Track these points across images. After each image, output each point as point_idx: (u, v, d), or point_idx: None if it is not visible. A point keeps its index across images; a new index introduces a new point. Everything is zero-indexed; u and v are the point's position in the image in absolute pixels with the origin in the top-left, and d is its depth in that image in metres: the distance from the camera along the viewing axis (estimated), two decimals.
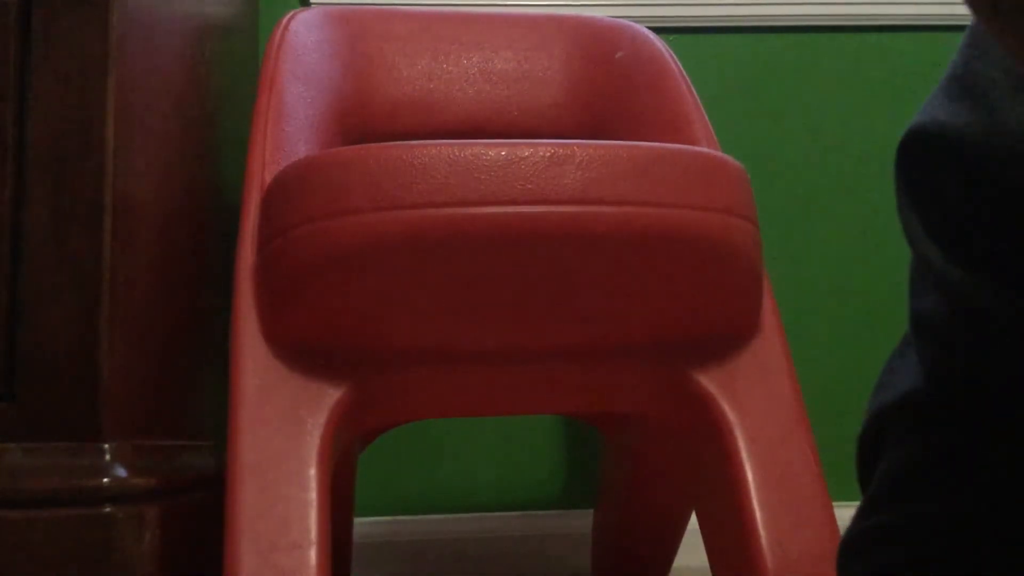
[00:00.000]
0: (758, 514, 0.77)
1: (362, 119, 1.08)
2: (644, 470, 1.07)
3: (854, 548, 0.50)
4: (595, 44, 1.14)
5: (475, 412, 0.93)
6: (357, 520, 1.27)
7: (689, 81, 1.05)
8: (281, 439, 0.75)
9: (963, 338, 0.46)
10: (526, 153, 0.73)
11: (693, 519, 0.91)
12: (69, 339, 0.74)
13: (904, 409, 0.50)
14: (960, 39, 0.47)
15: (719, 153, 0.80)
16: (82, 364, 0.74)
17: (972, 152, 0.45)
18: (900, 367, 0.51)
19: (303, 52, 1.01)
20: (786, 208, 1.44)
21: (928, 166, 0.49)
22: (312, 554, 0.71)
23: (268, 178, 0.85)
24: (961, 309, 0.45)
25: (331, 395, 0.78)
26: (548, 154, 0.73)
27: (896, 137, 0.57)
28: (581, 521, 1.31)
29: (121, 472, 0.73)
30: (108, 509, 0.71)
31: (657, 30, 1.17)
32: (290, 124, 0.93)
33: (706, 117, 1.02)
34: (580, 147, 0.74)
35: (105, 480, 0.72)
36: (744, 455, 0.79)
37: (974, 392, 0.46)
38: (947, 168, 0.47)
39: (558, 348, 0.83)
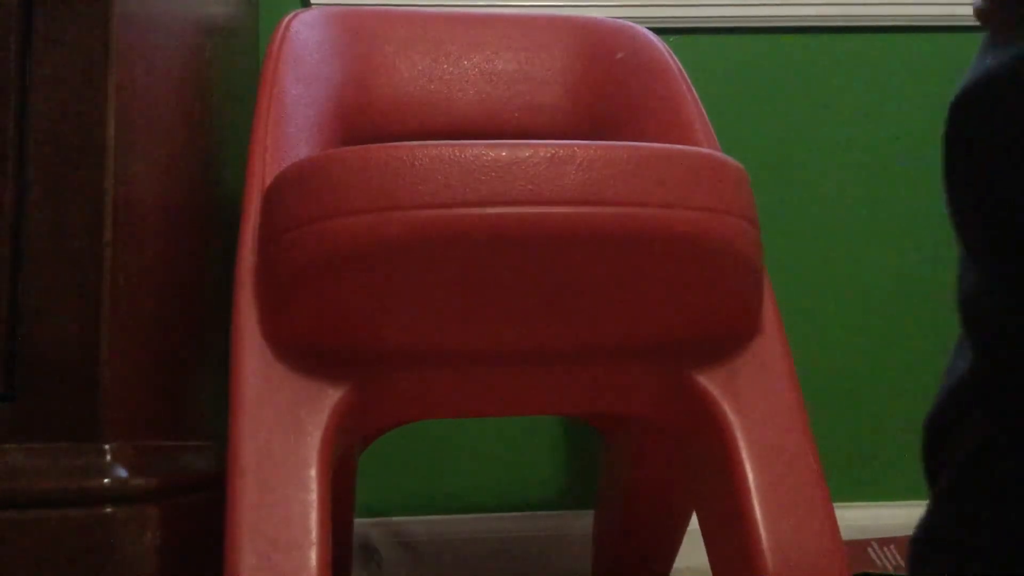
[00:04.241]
0: (758, 514, 0.77)
1: (363, 120, 1.08)
2: (644, 470, 1.07)
3: (931, 539, 0.50)
4: (595, 45, 1.14)
5: (475, 413, 0.93)
6: (357, 520, 1.27)
7: (689, 81, 1.05)
8: (281, 439, 0.75)
9: (1008, 319, 0.45)
10: (527, 154, 0.73)
11: (693, 519, 0.91)
12: (69, 339, 0.74)
13: (962, 396, 0.49)
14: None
15: (719, 153, 0.80)
16: (82, 364, 0.74)
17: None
18: (960, 354, 0.50)
19: (304, 53, 1.01)
20: (786, 208, 1.44)
21: (976, 126, 0.47)
22: (312, 554, 0.71)
23: (269, 178, 0.85)
24: (1004, 290, 0.44)
25: (331, 395, 0.78)
26: (549, 155, 0.73)
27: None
28: (581, 521, 1.32)
29: (121, 473, 0.73)
30: (108, 510, 0.71)
31: (657, 31, 1.17)
32: (291, 125, 0.93)
33: (706, 117, 1.02)
34: (581, 148, 0.74)
35: (106, 481, 0.72)
36: (744, 455, 0.79)
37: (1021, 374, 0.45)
38: (998, 120, 0.46)
39: (558, 349, 0.83)
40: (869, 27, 1.48)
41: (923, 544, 0.51)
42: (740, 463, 0.79)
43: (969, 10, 1.43)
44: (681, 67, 1.07)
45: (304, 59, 1.01)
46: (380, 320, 0.78)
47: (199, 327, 1.03)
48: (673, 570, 1.14)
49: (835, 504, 0.80)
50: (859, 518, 1.36)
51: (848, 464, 1.40)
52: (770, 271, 0.88)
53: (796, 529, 0.77)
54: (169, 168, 0.93)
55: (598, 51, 1.13)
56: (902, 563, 1.18)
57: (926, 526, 0.51)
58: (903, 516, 1.34)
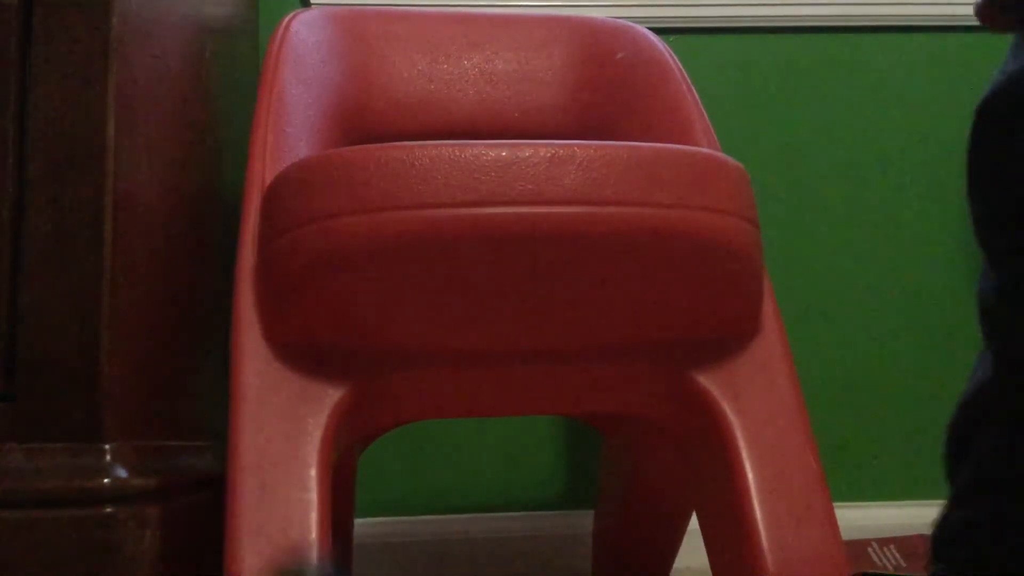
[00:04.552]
0: (758, 514, 0.77)
1: (362, 120, 1.08)
2: (644, 470, 1.07)
3: (946, 537, 0.51)
4: (596, 45, 1.14)
5: (476, 413, 0.93)
6: (357, 520, 1.27)
7: (689, 81, 1.05)
8: (281, 439, 0.75)
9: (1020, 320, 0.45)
10: (527, 154, 0.73)
11: (693, 519, 0.91)
12: (70, 339, 0.74)
13: (983, 399, 0.49)
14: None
15: (719, 153, 0.80)
16: (83, 364, 0.74)
17: None
18: (982, 361, 0.50)
19: (304, 53, 1.01)
20: (786, 208, 1.44)
21: (1000, 132, 0.48)
22: (312, 554, 0.71)
23: (269, 179, 0.85)
24: (1021, 296, 0.45)
25: (331, 395, 0.78)
26: (549, 155, 0.73)
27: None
28: (581, 521, 1.32)
29: (122, 473, 0.73)
30: (109, 510, 0.71)
31: (657, 31, 1.17)
32: (291, 125, 0.93)
33: (706, 118, 1.02)
34: (580, 148, 0.74)
35: (106, 481, 0.72)
36: (744, 455, 0.79)
37: None
38: (1022, 125, 0.46)
39: (558, 349, 0.83)
40: (869, 27, 1.48)
41: (939, 541, 0.52)
42: (740, 463, 0.79)
43: (969, 10, 1.43)
44: (681, 67, 1.07)
45: (304, 59, 1.01)
46: (380, 320, 0.78)
47: (199, 327, 1.04)
48: (673, 570, 1.14)
49: (835, 504, 0.80)
50: (859, 518, 1.36)
51: (848, 464, 1.40)
52: (770, 271, 0.88)
53: (796, 529, 0.77)
54: (169, 168, 0.93)
55: (598, 51, 1.13)
56: (902, 563, 1.18)
57: (943, 523, 0.51)
58: (903, 516, 1.34)
